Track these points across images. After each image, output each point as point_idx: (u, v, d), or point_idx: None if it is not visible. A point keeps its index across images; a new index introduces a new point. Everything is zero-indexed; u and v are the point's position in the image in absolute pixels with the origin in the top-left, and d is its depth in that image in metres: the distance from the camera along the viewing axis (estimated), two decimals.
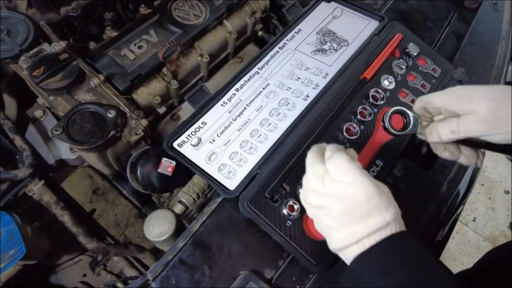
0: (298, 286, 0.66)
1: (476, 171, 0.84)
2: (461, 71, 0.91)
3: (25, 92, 1.01)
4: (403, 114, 0.67)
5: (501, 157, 2.14)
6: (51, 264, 0.98)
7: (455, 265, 1.81)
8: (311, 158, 0.54)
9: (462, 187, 0.79)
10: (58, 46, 0.80)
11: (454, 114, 0.57)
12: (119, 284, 0.88)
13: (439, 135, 0.59)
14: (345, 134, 0.73)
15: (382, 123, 0.73)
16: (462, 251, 1.89)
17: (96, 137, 0.75)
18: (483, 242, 1.94)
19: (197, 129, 0.77)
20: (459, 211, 0.87)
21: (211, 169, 0.72)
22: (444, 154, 0.63)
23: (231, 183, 0.69)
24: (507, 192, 2.05)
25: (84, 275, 1.04)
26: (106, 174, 1.16)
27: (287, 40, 0.92)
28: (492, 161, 2.10)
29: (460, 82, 0.89)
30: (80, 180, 1.77)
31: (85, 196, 1.76)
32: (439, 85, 0.84)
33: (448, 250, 1.89)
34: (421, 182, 0.76)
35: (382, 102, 0.78)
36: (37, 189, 0.82)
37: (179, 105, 0.98)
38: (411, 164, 0.77)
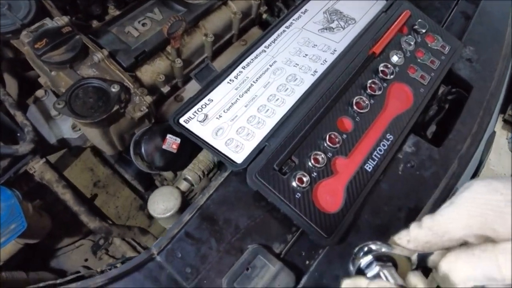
0: (307, 261, 0.64)
1: (488, 146, 0.83)
2: (470, 50, 0.89)
3: (25, 78, 1.00)
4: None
5: (505, 149, 2.13)
6: (52, 246, 0.96)
7: None
8: None
9: (473, 163, 0.77)
10: (60, 20, 0.79)
11: (485, 239, 0.34)
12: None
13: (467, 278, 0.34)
14: (355, 107, 0.71)
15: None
16: None
17: (99, 112, 0.73)
18: None
19: (204, 106, 0.76)
20: None
21: (218, 144, 0.70)
22: None
23: (239, 157, 0.68)
24: None
25: (86, 260, 1.01)
26: (108, 159, 1.15)
27: (293, 19, 0.91)
28: (496, 153, 2.09)
29: (470, 61, 0.88)
30: (81, 173, 1.75)
31: (86, 189, 1.73)
32: (449, 62, 0.82)
33: None
34: (432, 158, 0.74)
35: (391, 76, 0.76)
36: (38, 167, 0.80)
37: (183, 86, 0.96)
38: (422, 140, 0.75)
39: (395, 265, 0.37)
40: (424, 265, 0.37)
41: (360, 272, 0.37)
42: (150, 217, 1.45)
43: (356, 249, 0.38)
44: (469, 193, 0.35)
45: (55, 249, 0.99)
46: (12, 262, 0.84)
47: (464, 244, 0.35)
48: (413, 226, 0.37)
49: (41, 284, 0.68)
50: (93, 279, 0.60)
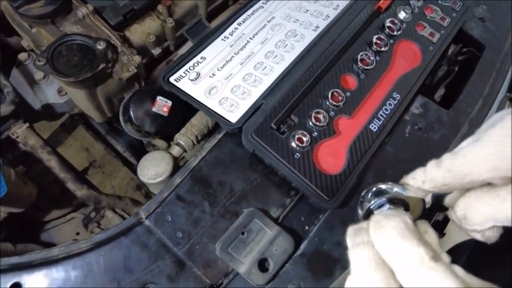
0: (307, 227, 0.60)
1: (500, 109, 0.78)
2: (483, 9, 0.83)
3: (8, 45, 0.94)
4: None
5: None
6: (41, 219, 0.92)
7: (459, 236, 1.76)
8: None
9: None
10: None
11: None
12: None
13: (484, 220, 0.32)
14: (360, 64, 0.66)
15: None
16: None
17: (84, 70, 0.68)
18: None
19: (196, 64, 0.70)
20: None
21: (211, 103, 0.65)
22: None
23: (233, 116, 0.63)
24: None
25: (77, 234, 0.98)
26: (100, 131, 1.10)
27: None
28: None
29: (482, 20, 0.82)
30: (77, 153, 1.71)
31: (81, 169, 1.70)
32: (460, 19, 0.76)
33: None
34: (441, 120, 0.69)
35: (398, 33, 0.71)
36: (21, 132, 0.75)
37: (175, 50, 0.90)
38: (430, 102, 0.70)
39: (406, 209, 0.32)
40: (439, 206, 0.33)
41: (369, 216, 0.32)
42: (147, 197, 1.41)
43: (364, 191, 0.33)
44: (500, 129, 0.30)
45: (44, 222, 0.95)
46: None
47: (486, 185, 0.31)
48: (431, 166, 0.33)
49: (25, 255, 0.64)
50: (76, 245, 0.55)
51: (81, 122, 1.22)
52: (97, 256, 0.54)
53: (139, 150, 1.00)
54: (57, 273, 0.52)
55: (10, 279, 0.51)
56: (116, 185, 1.71)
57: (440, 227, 1.04)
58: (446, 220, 0.79)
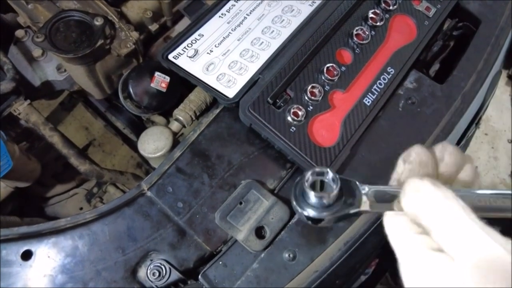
0: None
1: (493, 84, 0.79)
2: None
3: (4, 22, 0.93)
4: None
5: (507, 106, 2.08)
6: (45, 195, 0.95)
7: None
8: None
9: (477, 101, 0.74)
10: None
11: None
12: None
13: None
14: (355, 39, 0.67)
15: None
16: None
17: (82, 47, 0.68)
18: None
19: (194, 41, 0.71)
20: (471, 131, 0.83)
21: (209, 79, 0.66)
22: None
23: (231, 91, 0.64)
24: (510, 141, 2.02)
25: (81, 209, 1.01)
26: (99, 108, 1.11)
27: None
28: (498, 110, 2.05)
29: None
30: (76, 132, 1.72)
31: (81, 148, 1.71)
32: None
33: None
34: (434, 95, 0.71)
35: (394, 7, 0.71)
36: (23, 109, 0.76)
37: (172, 26, 0.90)
38: (424, 76, 0.72)
39: None
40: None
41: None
42: (148, 174, 1.44)
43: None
44: None
45: (48, 197, 0.98)
46: (6, 209, 0.83)
47: None
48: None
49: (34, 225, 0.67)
50: (82, 215, 0.58)
51: (81, 100, 1.23)
52: (102, 226, 0.57)
53: (139, 127, 1.02)
54: (65, 241, 0.55)
55: (21, 247, 0.54)
56: (116, 164, 1.74)
57: None
58: None
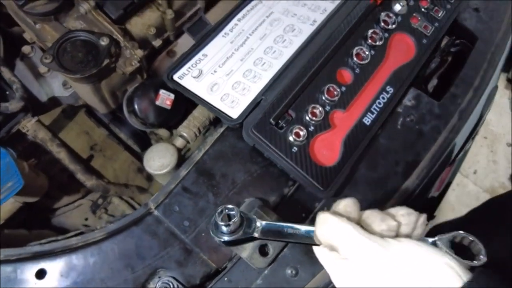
0: (303, 214, 0.65)
1: (490, 100, 0.81)
2: None
3: (10, 35, 0.95)
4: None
5: (506, 110, 2.10)
6: (50, 207, 0.97)
7: (454, 215, 1.83)
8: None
9: (474, 117, 0.76)
10: None
11: None
12: None
13: None
14: (355, 59, 0.68)
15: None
16: (461, 202, 1.91)
17: (89, 66, 0.70)
18: (482, 194, 1.95)
19: (198, 61, 0.73)
20: (468, 145, 0.85)
21: (214, 99, 0.68)
22: None
23: (235, 112, 0.66)
24: (509, 145, 2.04)
25: (86, 219, 1.03)
26: (103, 119, 1.13)
27: None
28: (497, 114, 2.07)
29: (477, 10, 0.83)
30: (77, 137, 1.73)
31: (82, 153, 1.73)
32: (454, 11, 0.78)
33: (448, 201, 1.90)
34: (432, 112, 0.73)
35: (393, 26, 0.73)
36: (31, 126, 0.79)
37: (175, 40, 0.92)
38: (422, 94, 0.74)
39: None
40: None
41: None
42: (149, 179, 1.46)
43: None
44: None
45: (54, 209, 1.00)
46: (13, 221, 0.85)
47: None
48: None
49: (43, 240, 0.69)
50: (92, 234, 0.60)
51: (83, 110, 1.25)
52: (112, 244, 0.59)
53: (142, 138, 1.04)
54: (77, 260, 0.57)
55: (35, 266, 0.56)
56: (118, 168, 1.75)
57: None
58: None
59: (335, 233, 0.45)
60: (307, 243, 0.50)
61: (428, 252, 0.41)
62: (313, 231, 0.48)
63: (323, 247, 0.47)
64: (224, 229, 0.49)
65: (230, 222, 0.49)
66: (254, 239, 0.52)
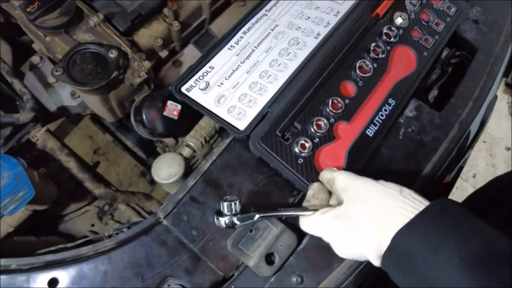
0: None
1: (489, 110, 0.83)
2: (478, 10, 0.87)
3: (19, 44, 0.97)
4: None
5: (505, 114, 2.13)
6: (58, 213, 0.99)
7: None
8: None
9: (473, 128, 0.78)
10: None
11: None
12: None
13: None
14: (358, 72, 0.70)
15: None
16: None
17: (98, 78, 0.72)
18: None
19: (205, 74, 0.74)
20: (468, 154, 0.87)
21: (221, 111, 0.70)
22: None
23: (241, 124, 0.68)
24: (508, 149, 2.06)
25: (93, 225, 1.05)
26: (108, 126, 1.14)
27: None
28: (496, 117, 2.09)
29: (476, 22, 0.85)
30: (80, 141, 1.75)
31: (86, 157, 1.74)
32: (454, 24, 0.80)
33: None
34: (433, 122, 0.75)
35: (395, 39, 0.75)
36: (40, 136, 0.80)
37: (181, 50, 0.94)
38: (423, 105, 0.75)
39: None
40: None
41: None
42: (152, 183, 1.47)
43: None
44: None
45: (62, 215, 1.01)
46: (22, 228, 0.86)
47: None
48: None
49: (53, 248, 0.70)
50: (102, 243, 0.62)
51: (88, 117, 1.26)
52: (122, 254, 0.60)
53: (148, 146, 1.06)
54: (88, 269, 0.59)
55: (47, 275, 0.57)
56: (121, 172, 1.77)
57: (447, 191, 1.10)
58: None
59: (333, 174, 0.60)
60: (300, 214, 0.60)
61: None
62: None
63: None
64: (227, 209, 0.57)
65: (233, 201, 0.57)
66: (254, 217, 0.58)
